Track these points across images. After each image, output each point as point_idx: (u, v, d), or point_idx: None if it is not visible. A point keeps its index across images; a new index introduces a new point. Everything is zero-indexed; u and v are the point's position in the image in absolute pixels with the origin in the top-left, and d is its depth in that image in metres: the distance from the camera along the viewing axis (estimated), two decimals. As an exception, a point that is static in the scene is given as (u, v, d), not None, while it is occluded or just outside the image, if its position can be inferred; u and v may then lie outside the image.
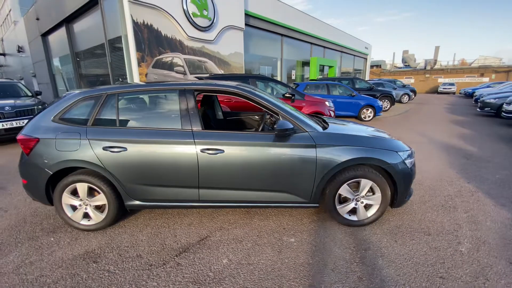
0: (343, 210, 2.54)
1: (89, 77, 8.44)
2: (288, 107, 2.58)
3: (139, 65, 6.08)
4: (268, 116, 3.53)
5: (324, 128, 2.58)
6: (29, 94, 7.04)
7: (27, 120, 5.98)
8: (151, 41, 6.28)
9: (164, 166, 2.34)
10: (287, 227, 2.59)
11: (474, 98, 16.03)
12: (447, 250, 2.27)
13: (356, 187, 2.51)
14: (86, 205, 2.49)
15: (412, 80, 35.75)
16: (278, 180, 2.39)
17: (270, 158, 2.34)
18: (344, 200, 2.57)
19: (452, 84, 30.20)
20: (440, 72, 35.44)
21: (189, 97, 2.42)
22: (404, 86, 19.99)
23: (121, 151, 2.31)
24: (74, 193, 2.48)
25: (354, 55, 20.27)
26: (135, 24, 5.93)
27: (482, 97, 11.65)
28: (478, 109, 11.21)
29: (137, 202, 2.48)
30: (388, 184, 2.47)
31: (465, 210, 2.96)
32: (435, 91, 33.05)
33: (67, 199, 2.45)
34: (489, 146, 5.87)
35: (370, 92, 11.81)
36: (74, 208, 2.51)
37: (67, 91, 10.38)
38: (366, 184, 2.45)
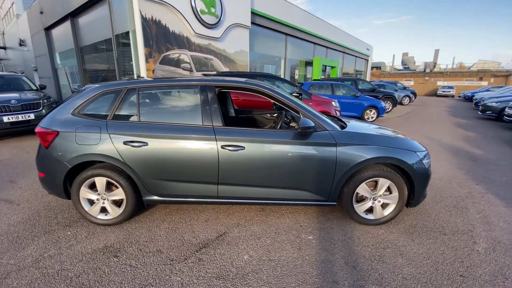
0: (360, 209, 2.55)
1: (94, 72, 8.38)
2: (308, 106, 2.58)
3: (146, 61, 6.05)
4: (281, 115, 3.54)
5: (342, 127, 2.59)
6: (34, 88, 6.98)
7: (32, 114, 5.94)
8: (159, 37, 6.25)
9: (184, 162, 2.34)
10: (303, 225, 2.60)
11: (474, 101, 16.19)
12: (464, 249, 2.30)
13: (373, 186, 2.53)
14: (103, 199, 2.48)
15: (412, 83, 35.97)
16: (298, 178, 2.40)
17: (291, 155, 2.35)
18: (361, 199, 2.58)
19: (451, 87, 30.43)
20: (439, 75, 35.69)
21: (210, 93, 2.42)
22: (405, 88, 20.11)
23: (142, 145, 2.31)
24: (92, 187, 2.47)
25: (356, 56, 20.33)
26: (144, 19, 5.89)
27: (483, 100, 11.76)
28: (479, 112, 11.31)
29: (156, 197, 2.47)
30: (405, 183, 2.49)
31: (477, 211, 2.99)
32: (434, 93, 33.30)
33: (85, 193, 2.44)
34: (494, 149, 5.93)
35: (372, 93, 11.86)
36: (91, 202, 2.50)
37: (70, 85, 10.31)
38: (384, 183, 2.47)
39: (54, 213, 2.79)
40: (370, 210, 2.58)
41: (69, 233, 2.44)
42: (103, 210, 2.52)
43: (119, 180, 2.38)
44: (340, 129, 2.45)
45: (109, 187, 2.47)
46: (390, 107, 12.36)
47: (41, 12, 9.60)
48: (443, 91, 30.19)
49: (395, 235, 2.46)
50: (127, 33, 6.15)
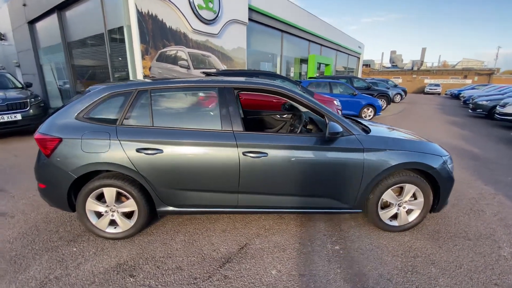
0: (385, 215, 2.46)
1: (84, 68, 7.93)
2: (330, 109, 2.46)
3: (142, 58, 5.74)
4: (295, 117, 3.41)
5: (364, 130, 2.48)
6: (19, 85, 6.52)
7: (19, 114, 5.54)
8: (156, 33, 5.94)
9: (203, 170, 2.17)
10: (327, 234, 2.49)
11: (463, 99, 16.63)
12: (491, 255, 2.25)
13: (398, 192, 2.44)
14: (113, 211, 2.27)
15: (400, 80, 36.66)
16: (323, 185, 2.28)
17: (317, 162, 2.22)
18: (385, 206, 2.49)
19: (437, 85, 31.26)
20: (427, 73, 36.59)
21: (229, 95, 2.25)
22: (395, 86, 20.41)
23: (156, 153, 2.11)
24: (99, 198, 2.26)
25: (348, 54, 20.44)
26: (140, 14, 5.57)
27: (473, 99, 12.07)
28: (470, 110, 11.60)
29: (171, 208, 2.29)
30: (431, 189, 2.41)
31: (493, 213, 2.97)
32: (421, 91, 34.08)
33: (91, 205, 2.23)
34: (491, 148, 6.03)
35: (367, 92, 11.92)
36: (99, 215, 2.29)
37: (56, 82, 9.76)
38: (410, 189, 2.38)
39: (55, 226, 2.55)
40: (394, 216, 2.50)
41: (75, 249, 2.22)
42: (112, 222, 2.31)
43: (130, 190, 2.18)
44: (365, 134, 2.34)
45: (118, 198, 2.27)
46: (385, 105, 12.47)
47: (24, 5, 8.99)
48: (430, 89, 30.97)
49: (421, 242, 2.39)
50: (121, 28, 5.81)
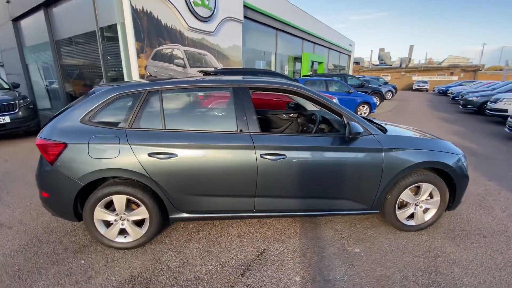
0: (403, 215, 2.43)
1: (74, 68, 7.60)
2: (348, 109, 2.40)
3: (138, 56, 5.52)
4: (303, 117, 3.35)
5: (381, 130, 2.44)
6: (6, 86, 6.18)
7: (7, 117, 5.25)
8: (151, 30, 5.73)
9: (219, 174, 2.07)
10: (344, 235, 2.44)
11: (451, 96, 17.03)
12: (508, 252, 2.25)
13: (415, 191, 2.42)
14: (122, 220, 2.14)
15: (389, 77, 37.29)
16: (343, 186, 2.22)
17: (336, 163, 2.16)
18: (402, 205, 2.46)
19: (425, 82, 31.94)
20: (415, 70, 37.37)
21: (244, 95, 2.15)
22: (386, 83, 20.73)
23: (170, 157, 1.99)
24: (108, 206, 2.12)
25: (340, 52, 20.57)
26: (134, 10, 5.36)
27: (463, 95, 12.36)
28: (460, 107, 11.87)
29: (185, 215, 2.18)
30: (447, 187, 2.40)
31: (501, 209, 3.00)
32: (410, 88, 34.76)
33: (100, 214, 2.09)
34: (486, 143, 6.16)
35: (361, 89, 12.01)
36: (107, 224, 2.16)
37: (44, 82, 9.35)
38: (427, 188, 2.36)
39: (58, 237, 2.40)
40: (411, 216, 2.47)
41: (83, 261, 2.08)
42: (122, 231, 2.18)
43: (142, 197, 2.05)
44: (383, 134, 2.30)
45: (128, 205, 2.14)
46: (378, 102, 12.62)
47: (8, 1, 8.52)
48: (418, 86, 31.61)
49: (439, 241, 2.37)
50: (114, 25, 5.57)
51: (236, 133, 2.09)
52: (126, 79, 5.74)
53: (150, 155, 1.98)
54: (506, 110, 8.13)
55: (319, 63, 15.67)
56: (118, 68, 5.94)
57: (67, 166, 1.96)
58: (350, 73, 23.53)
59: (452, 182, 2.40)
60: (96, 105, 2.06)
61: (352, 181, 2.21)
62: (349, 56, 23.02)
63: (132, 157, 1.97)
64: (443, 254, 2.20)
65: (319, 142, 2.15)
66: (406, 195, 2.36)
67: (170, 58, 6.28)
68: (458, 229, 2.59)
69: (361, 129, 2.06)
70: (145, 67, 5.74)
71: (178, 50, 6.44)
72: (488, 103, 9.12)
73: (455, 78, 34.16)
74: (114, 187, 2.03)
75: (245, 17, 8.70)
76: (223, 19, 7.61)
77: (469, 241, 2.40)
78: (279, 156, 2.08)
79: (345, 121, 2.15)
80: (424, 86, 31.34)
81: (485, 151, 5.46)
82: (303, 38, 13.76)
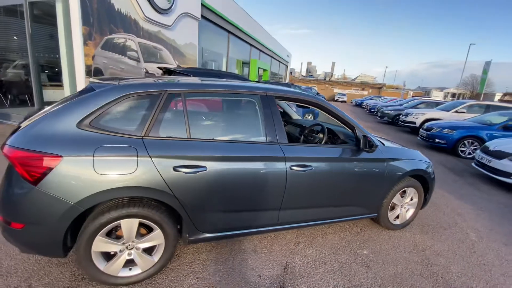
0: (392, 216, 2.77)
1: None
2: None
3: (85, 43, 4.56)
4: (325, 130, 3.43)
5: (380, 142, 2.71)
6: None
7: None
8: (102, 15, 4.83)
9: (250, 187, 1.93)
10: (349, 239, 2.60)
11: (368, 108, 20.31)
12: (466, 241, 2.80)
13: (401, 195, 2.79)
14: (130, 249, 1.74)
15: (316, 89, 41.84)
16: (357, 194, 2.38)
17: (353, 172, 2.30)
18: (391, 208, 2.80)
19: (343, 95, 37.17)
20: (336, 83, 43.01)
21: (272, 104, 2.07)
22: (317, 94, 23.12)
23: (199, 171, 1.74)
24: (109, 234, 1.69)
25: (280, 62, 21.91)
26: (81, -12, 4.43)
27: (379, 108, 14.93)
28: (378, 117, 14.28)
29: (207, 235, 1.93)
30: (423, 190, 2.86)
31: (445, 205, 3.74)
32: (332, 99, 39.75)
33: (100, 245, 1.65)
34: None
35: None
36: (108, 256, 1.71)
37: None
38: (411, 192, 2.76)
39: (18, 280, 1.76)
40: (397, 216, 2.84)
41: (75, 309, 1.59)
42: (128, 262, 1.77)
43: (159, 219, 1.72)
44: (383, 145, 2.57)
45: (138, 230, 1.75)
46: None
47: None
48: (339, 97, 36.47)
49: (419, 236, 2.79)
50: (52, 1, 4.47)
51: (266, 143, 1.98)
52: (65, 68, 4.67)
53: (175, 169, 1.68)
54: (414, 122, 10.22)
55: (264, 70, 16.31)
56: (53, 54, 4.79)
57: (60, 186, 1.47)
58: (287, 82, 25.27)
59: (426, 185, 2.87)
60: (98, 106, 1.62)
61: (364, 188, 2.40)
62: (287, 66, 24.73)
63: (154, 172, 1.63)
64: (427, 248, 2.60)
65: (339, 153, 2.25)
66: (396, 199, 2.70)
67: (122, 49, 5.46)
68: (425, 224, 3.10)
69: (378, 142, 2.26)
70: (93, 57, 4.82)
71: (132, 41, 5.66)
72: (401, 116, 11.27)
73: (365, 93, 40.93)
74: (125, 210, 1.63)
75: (201, 16, 8.33)
76: (181, 14, 7.10)
77: (438, 234, 2.90)
78: (306, 168, 2.08)
79: (360, 134, 2.31)
80: (343, 98, 36.35)
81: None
82: (251, 45, 14.09)
